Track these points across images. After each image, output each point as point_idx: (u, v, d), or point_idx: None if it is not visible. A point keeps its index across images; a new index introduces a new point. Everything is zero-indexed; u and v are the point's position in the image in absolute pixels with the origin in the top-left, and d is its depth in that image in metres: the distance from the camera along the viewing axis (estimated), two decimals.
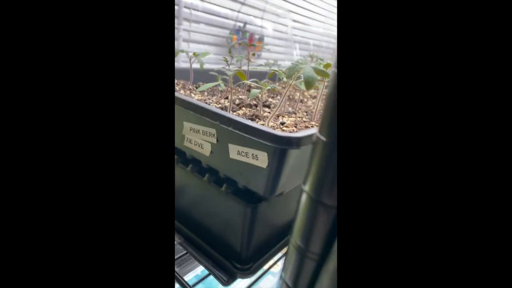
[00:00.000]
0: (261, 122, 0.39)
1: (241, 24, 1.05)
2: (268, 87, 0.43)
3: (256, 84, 0.46)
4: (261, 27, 1.13)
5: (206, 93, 0.57)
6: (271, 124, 0.38)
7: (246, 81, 0.46)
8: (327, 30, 1.75)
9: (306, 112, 0.50)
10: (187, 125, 0.38)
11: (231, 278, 0.34)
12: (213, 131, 0.35)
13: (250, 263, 0.36)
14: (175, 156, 0.42)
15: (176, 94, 0.36)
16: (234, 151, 0.34)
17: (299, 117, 0.45)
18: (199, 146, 0.38)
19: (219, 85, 0.47)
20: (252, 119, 0.41)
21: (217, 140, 0.35)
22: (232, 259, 0.36)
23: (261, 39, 1.17)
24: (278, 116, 0.45)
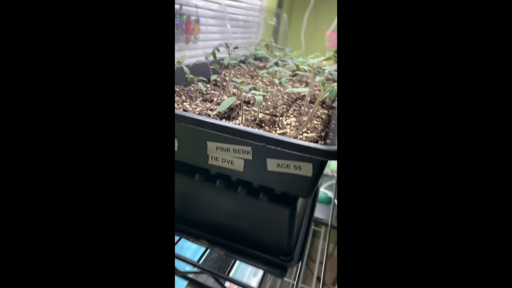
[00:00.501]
0: (279, 131, 0.42)
1: (178, 6, 0.97)
2: (267, 91, 0.46)
3: (256, 91, 0.48)
4: (196, 7, 1.07)
5: (184, 97, 0.55)
6: (292, 132, 0.42)
7: (244, 87, 0.47)
8: (251, 5, 1.75)
9: (285, 105, 0.55)
10: (212, 145, 0.39)
11: (284, 270, 0.40)
12: (248, 149, 0.37)
13: (292, 253, 0.42)
14: (197, 175, 0.42)
15: (205, 118, 0.36)
16: (273, 164, 0.37)
17: (290, 114, 0.50)
18: (229, 163, 0.39)
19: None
20: (260, 126, 0.44)
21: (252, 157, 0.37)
22: (279, 254, 0.41)
23: (197, 21, 1.11)
24: (276, 117, 0.49)
